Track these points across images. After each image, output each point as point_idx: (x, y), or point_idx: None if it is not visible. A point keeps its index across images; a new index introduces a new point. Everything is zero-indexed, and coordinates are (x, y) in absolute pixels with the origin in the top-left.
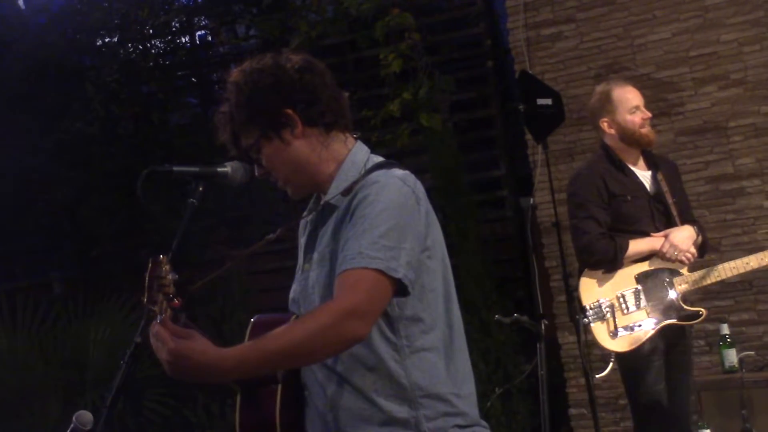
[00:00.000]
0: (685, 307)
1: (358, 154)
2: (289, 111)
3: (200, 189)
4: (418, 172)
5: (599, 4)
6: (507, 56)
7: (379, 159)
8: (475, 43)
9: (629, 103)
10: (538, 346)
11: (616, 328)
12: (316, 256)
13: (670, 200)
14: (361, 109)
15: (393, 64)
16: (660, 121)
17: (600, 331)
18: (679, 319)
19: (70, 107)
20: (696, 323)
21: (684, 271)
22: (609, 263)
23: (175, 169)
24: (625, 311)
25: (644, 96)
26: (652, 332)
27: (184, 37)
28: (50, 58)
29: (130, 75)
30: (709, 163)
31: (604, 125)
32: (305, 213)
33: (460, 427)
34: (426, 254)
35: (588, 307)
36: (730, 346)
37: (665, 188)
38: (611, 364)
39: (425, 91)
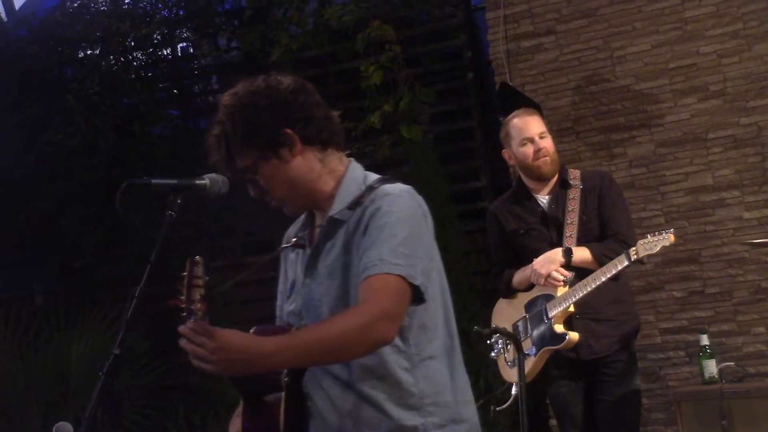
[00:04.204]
0: (555, 331)
1: (356, 171)
2: (288, 131)
3: (179, 201)
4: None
5: (579, 16)
6: (487, 68)
7: (375, 175)
8: (456, 55)
9: (521, 134)
10: (517, 356)
11: (512, 357)
12: (323, 270)
13: (570, 219)
14: (342, 120)
15: (373, 76)
16: (640, 133)
17: (502, 363)
18: (551, 345)
19: (52, 119)
20: (560, 348)
21: (558, 293)
22: (504, 296)
23: (154, 181)
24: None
25: (624, 108)
26: (534, 360)
27: (166, 50)
28: (32, 70)
29: (112, 87)
30: (689, 175)
31: (506, 156)
32: (294, 230)
33: None
34: (431, 264)
35: (493, 342)
36: (710, 356)
37: (570, 207)
38: (513, 395)
39: (406, 103)
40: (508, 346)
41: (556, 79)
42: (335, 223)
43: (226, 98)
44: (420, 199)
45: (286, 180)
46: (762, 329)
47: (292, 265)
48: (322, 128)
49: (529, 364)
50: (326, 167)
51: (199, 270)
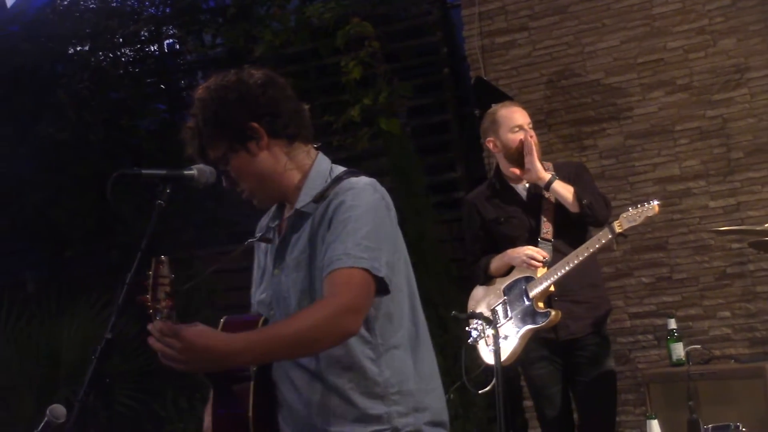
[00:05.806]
0: (537, 309)
1: (322, 164)
2: (255, 124)
3: (168, 191)
4: (377, 175)
5: (551, 13)
6: (463, 63)
7: (341, 168)
8: (432, 51)
9: (512, 122)
10: (494, 340)
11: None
12: (290, 262)
13: (546, 207)
14: (323, 114)
15: (353, 71)
16: (609, 125)
17: (482, 348)
18: (535, 324)
19: (43, 113)
20: (545, 326)
21: (538, 274)
22: (481, 283)
23: (144, 172)
24: (498, 325)
25: (594, 101)
26: (517, 341)
27: (153, 46)
28: (24, 65)
29: (101, 82)
30: (657, 165)
31: (490, 145)
32: (266, 220)
33: (431, 424)
34: (396, 255)
35: (471, 328)
36: (677, 340)
37: (546, 196)
38: (493, 381)
39: (384, 97)
40: (488, 331)
41: (529, 74)
42: (301, 216)
43: (199, 91)
44: (383, 191)
45: (254, 173)
46: (727, 313)
47: (264, 255)
48: (289, 122)
49: (511, 345)
50: (293, 161)
51: (164, 269)
